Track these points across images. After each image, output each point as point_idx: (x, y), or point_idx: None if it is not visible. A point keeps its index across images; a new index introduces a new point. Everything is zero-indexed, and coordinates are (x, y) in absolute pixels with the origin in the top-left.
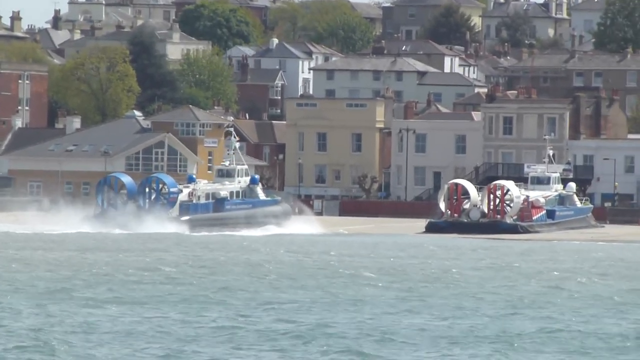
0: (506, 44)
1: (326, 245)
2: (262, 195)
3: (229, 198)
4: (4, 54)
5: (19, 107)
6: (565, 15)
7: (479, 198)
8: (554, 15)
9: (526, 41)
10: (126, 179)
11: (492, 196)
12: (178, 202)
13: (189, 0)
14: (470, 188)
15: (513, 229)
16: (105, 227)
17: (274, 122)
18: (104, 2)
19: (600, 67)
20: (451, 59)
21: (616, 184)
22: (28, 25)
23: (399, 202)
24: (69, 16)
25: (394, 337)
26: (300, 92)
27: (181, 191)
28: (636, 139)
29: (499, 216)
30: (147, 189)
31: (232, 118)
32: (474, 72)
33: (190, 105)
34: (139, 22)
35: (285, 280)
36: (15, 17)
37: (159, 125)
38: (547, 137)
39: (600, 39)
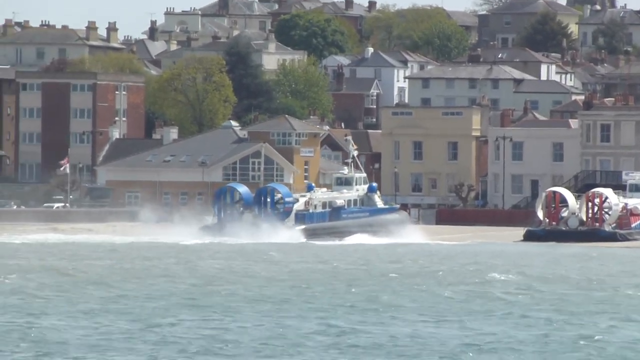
0: (602, 51)
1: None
2: (380, 204)
3: (345, 207)
4: (101, 65)
5: (117, 118)
6: None
7: (577, 206)
8: None
9: (622, 48)
10: (242, 189)
11: (590, 204)
12: (294, 211)
13: (285, 11)
14: (569, 196)
15: (612, 237)
16: (225, 237)
17: (369, 131)
18: (200, 13)
19: None
20: (548, 67)
21: None
22: (124, 36)
23: (496, 211)
24: (165, 27)
25: None
26: (396, 100)
27: (297, 200)
28: None
29: (597, 224)
30: (262, 199)
31: (327, 127)
32: (570, 80)
33: (286, 115)
34: (235, 33)
35: None
36: (112, 28)
37: (256, 135)
38: None
39: None
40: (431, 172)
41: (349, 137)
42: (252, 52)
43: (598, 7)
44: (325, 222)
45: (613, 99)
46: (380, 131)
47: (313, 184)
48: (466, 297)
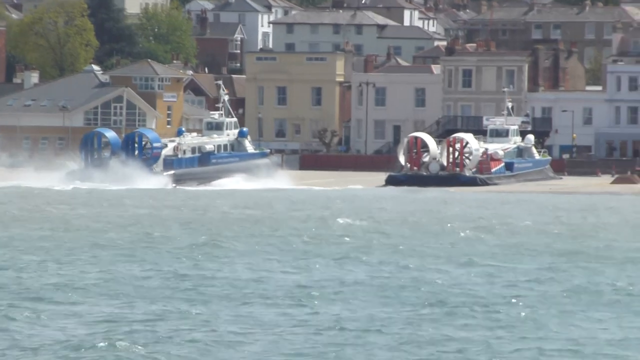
0: None
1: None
2: (250, 149)
3: (215, 152)
4: None
5: None
6: None
7: (439, 151)
8: None
9: None
10: (110, 134)
11: (451, 149)
12: (162, 156)
13: None
14: (430, 141)
15: (472, 182)
16: (93, 183)
17: (233, 76)
18: None
19: (559, 19)
20: (411, 12)
21: (574, 135)
22: None
23: (359, 156)
24: None
25: None
26: (260, 46)
27: (166, 145)
28: (594, 91)
29: (458, 169)
30: (130, 144)
31: (191, 72)
32: (433, 25)
33: (149, 60)
34: None
35: None
36: None
37: (118, 80)
38: (505, 89)
39: None
40: (295, 117)
41: (220, 82)
42: None
43: None
44: (194, 167)
45: (475, 44)
46: (244, 76)
47: (183, 129)
48: (309, 240)
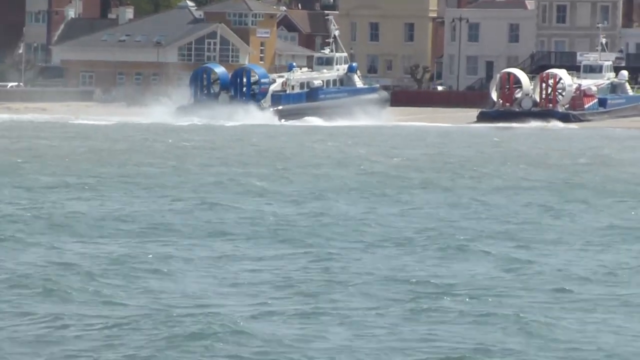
0: None
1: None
2: (359, 83)
3: (324, 87)
4: None
5: None
6: None
7: (531, 87)
8: None
9: None
10: (219, 70)
11: (544, 85)
12: (270, 92)
13: None
14: (523, 77)
15: (565, 118)
16: (203, 118)
17: (326, 12)
18: None
19: None
20: None
21: None
22: None
23: (451, 92)
24: None
25: None
26: None
27: (274, 81)
28: None
29: (550, 105)
30: (239, 80)
31: (284, 8)
32: None
33: None
34: None
35: None
36: None
37: (212, 16)
38: (600, 25)
39: None
40: (387, 53)
41: (331, 17)
42: None
43: None
44: (302, 102)
45: None
46: (337, 12)
47: (294, 64)
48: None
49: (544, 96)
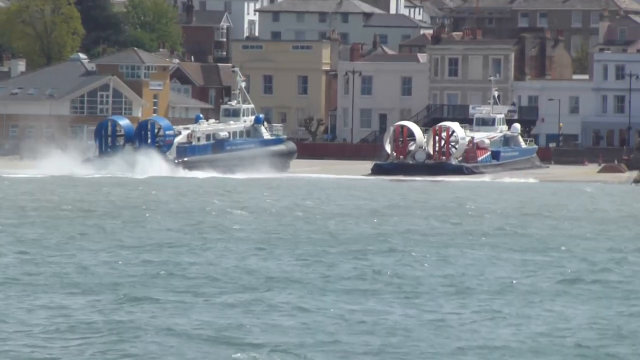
0: None
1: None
2: (266, 135)
3: (230, 138)
4: None
5: None
6: None
7: (425, 140)
8: None
9: None
10: (124, 122)
11: (437, 138)
12: (175, 144)
13: None
14: (416, 130)
15: (458, 170)
16: (108, 170)
17: (219, 64)
18: None
19: (546, 7)
20: (397, 0)
21: (561, 124)
22: None
23: (345, 145)
24: None
25: None
26: (246, 34)
27: (179, 133)
28: (581, 80)
29: (444, 157)
30: (143, 132)
31: (177, 60)
32: (419, 14)
33: (135, 48)
34: None
35: None
36: None
37: (104, 68)
38: (492, 78)
39: None
40: (281, 106)
41: (236, 69)
42: None
43: None
44: (208, 154)
45: (461, 33)
46: (230, 65)
47: (201, 115)
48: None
49: (437, 149)
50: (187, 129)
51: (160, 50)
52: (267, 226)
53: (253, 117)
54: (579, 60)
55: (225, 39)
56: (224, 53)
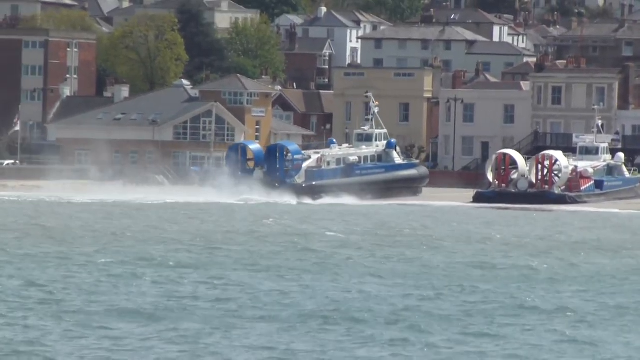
0: (555, 12)
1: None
2: (398, 159)
3: (360, 163)
4: (53, 22)
5: (68, 76)
6: None
7: (527, 168)
8: None
9: (576, 10)
10: (254, 147)
11: (540, 166)
12: (304, 168)
13: None
14: (518, 158)
15: (561, 200)
16: (244, 195)
17: (321, 91)
18: None
19: None
20: (500, 28)
21: None
22: None
23: (446, 172)
24: None
25: None
26: (348, 61)
27: (309, 157)
28: None
29: (546, 186)
30: (272, 156)
31: (279, 87)
32: (523, 42)
33: (238, 75)
34: None
35: None
36: None
37: (207, 95)
38: (595, 107)
39: None
40: None
41: (370, 94)
42: (205, 10)
43: None
44: (337, 179)
45: (565, 61)
46: (332, 92)
47: (334, 140)
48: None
49: (540, 177)
50: (318, 153)
51: (263, 77)
52: None
53: (385, 142)
54: None
55: (327, 66)
56: (326, 80)
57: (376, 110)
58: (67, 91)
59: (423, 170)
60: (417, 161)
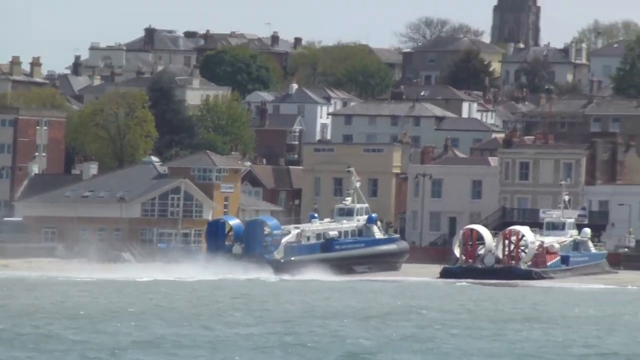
0: (525, 89)
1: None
2: (378, 234)
3: (340, 238)
4: (23, 100)
5: (36, 153)
6: (584, 61)
7: (494, 243)
8: (573, 60)
9: (545, 87)
10: (234, 222)
11: (507, 242)
12: (283, 243)
13: (210, 46)
14: (486, 233)
15: (527, 275)
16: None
17: (290, 167)
18: (124, 48)
19: (618, 112)
20: (469, 104)
21: (630, 229)
22: (48, 71)
23: (414, 248)
24: (89, 62)
25: None
26: (318, 137)
27: (289, 232)
28: None
29: (513, 262)
30: (250, 232)
31: (249, 163)
32: (491, 118)
33: (207, 151)
34: (160, 68)
35: None
36: (35, 63)
37: (176, 171)
38: (563, 182)
39: (620, 84)
40: None
41: (352, 169)
42: (176, 87)
43: (522, 46)
44: (316, 254)
45: (533, 137)
46: (301, 167)
47: (315, 214)
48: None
49: (506, 253)
50: (298, 228)
51: (233, 153)
52: None
53: (366, 217)
54: None
55: (297, 142)
56: (296, 156)
57: (357, 184)
58: (35, 169)
59: (403, 245)
60: (397, 236)
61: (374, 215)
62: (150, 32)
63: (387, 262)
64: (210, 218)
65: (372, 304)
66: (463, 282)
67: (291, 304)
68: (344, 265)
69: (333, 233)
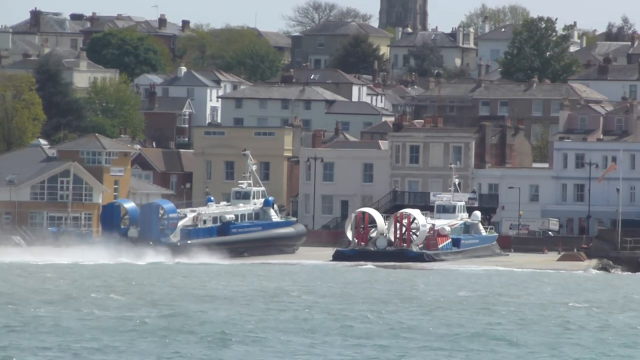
0: (413, 73)
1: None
2: (275, 217)
3: (237, 221)
4: None
5: None
6: (472, 45)
7: (386, 226)
8: (461, 45)
9: (433, 71)
10: (129, 205)
11: (398, 225)
12: (179, 227)
13: (97, 29)
14: (377, 216)
15: (419, 258)
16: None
17: (181, 150)
18: (11, 31)
19: (506, 96)
20: (359, 88)
21: (521, 212)
22: None
23: (309, 231)
24: None
25: None
26: (209, 120)
27: (185, 216)
28: (541, 168)
29: (405, 244)
30: (146, 215)
31: (138, 146)
32: (381, 101)
33: (97, 134)
34: (46, 51)
35: None
36: None
37: (65, 154)
38: (452, 165)
39: (507, 68)
40: None
41: (248, 152)
42: (63, 70)
43: (410, 30)
44: (213, 237)
45: (422, 121)
46: (192, 151)
47: (212, 197)
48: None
49: (398, 236)
50: (194, 211)
51: (122, 136)
52: None
53: (263, 200)
54: (539, 148)
55: (187, 125)
56: (186, 139)
57: (254, 167)
58: None
59: (300, 228)
60: (295, 219)
61: (270, 198)
62: (36, 15)
63: (284, 245)
64: (100, 202)
65: (241, 287)
66: (350, 264)
67: (175, 287)
68: (239, 249)
69: (230, 216)
